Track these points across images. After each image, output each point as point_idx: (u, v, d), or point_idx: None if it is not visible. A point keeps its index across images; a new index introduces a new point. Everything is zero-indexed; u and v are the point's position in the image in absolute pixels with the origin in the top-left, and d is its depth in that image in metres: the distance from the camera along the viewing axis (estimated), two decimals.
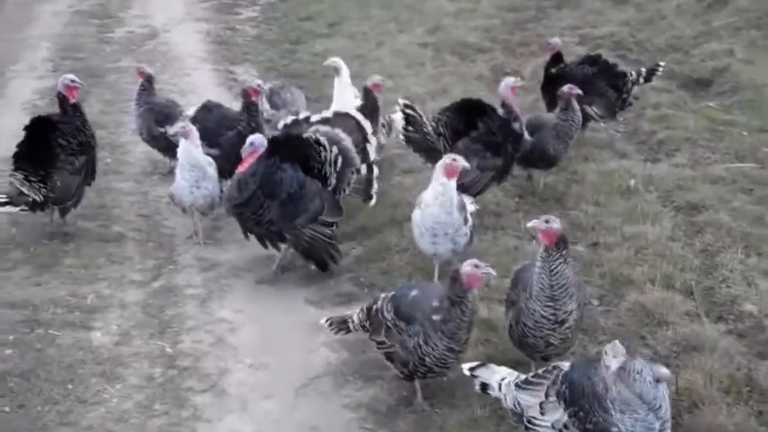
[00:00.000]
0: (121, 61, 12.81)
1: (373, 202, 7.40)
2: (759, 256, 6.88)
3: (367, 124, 7.39)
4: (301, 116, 7.54)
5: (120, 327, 6.41)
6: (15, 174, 7.22)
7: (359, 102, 8.60)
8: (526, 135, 7.85)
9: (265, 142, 6.77)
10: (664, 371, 4.41)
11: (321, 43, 13.31)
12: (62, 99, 7.61)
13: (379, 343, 5.44)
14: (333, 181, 7.01)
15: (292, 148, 6.93)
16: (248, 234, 7.00)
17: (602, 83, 8.98)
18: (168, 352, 6.13)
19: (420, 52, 12.52)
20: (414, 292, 5.35)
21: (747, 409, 5.23)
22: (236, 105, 8.69)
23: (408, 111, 7.62)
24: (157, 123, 8.71)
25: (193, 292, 6.89)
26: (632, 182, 8.16)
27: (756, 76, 10.30)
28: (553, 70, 9.25)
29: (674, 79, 10.72)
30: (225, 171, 7.53)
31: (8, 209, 7.20)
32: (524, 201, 8.03)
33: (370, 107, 8.14)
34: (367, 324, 5.55)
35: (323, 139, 6.98)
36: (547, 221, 5.11)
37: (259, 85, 8.14)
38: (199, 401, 5.62)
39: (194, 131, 7.46)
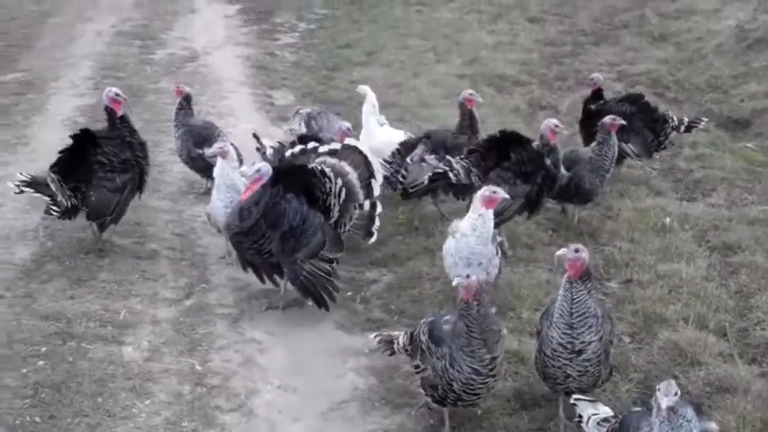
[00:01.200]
0: (161, 82, 12.95)
1: (373, 239, 7.25)
2: None
3: (374, 160, 7.21)
4: (310, 146, 7.35)
5: (151, 343, 6.44)
6: (51, 174, 7.32)
7: (386, 129, 8.66)
8: (563, 170, 7.85)
9: (270, 171, 6.67)
10: (713, 427, 4.38)
11: (358, 71, 13.38)
12: (110, 112, 7.70)
13: (416, 367, 5.43)
14: (335, 213, 6.89)
15: (297, 178, 6.84)
16: (247, 266, 6.93)
17: (640, 122, 8.90)
18: (198, 370, 6.15)
19: (457, 83, 12.53)
20: (447, 317, 5.35)
21: None
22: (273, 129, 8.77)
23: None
24: (196, 145, 8.80)
25: (224, 312, 6.92)
26: (667, 220, 8.11)
27: None
28: (592, 106, 9.19)
29: (711, 119, 10.66)
30: None
31: (28, 190, 7.26)
32: (558, 234, 8.00)
33: (468, 120, 8.23)
34: (409, 348, 5.54)
35: (328, 171, 6.87)
36: (576, 250, 5.07)
37: (348, 129, 8.08)
38: (227, 420, 5.64)
39: (232, 152, 7.51)
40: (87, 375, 5.96)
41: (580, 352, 5.08)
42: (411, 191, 7.92)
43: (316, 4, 18.35)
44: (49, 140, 10.23)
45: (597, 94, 9.28)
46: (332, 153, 7.14)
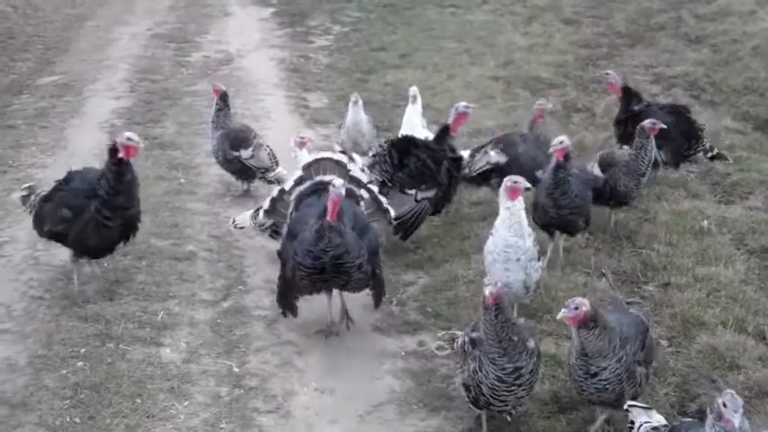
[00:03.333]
0: (197, 85, 13.02)
1: (392, 214, 7.08)
2: None
3: (340, 156, 7.01)
4: (277, 190, 7.04)
5: (189, 344, 6.49)
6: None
7: (426, 131, 8.70)
8: (597, 171, 7.83)
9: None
10: None
11: (393, 74, 13.37)
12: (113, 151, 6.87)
13: (461, 368, 5.43)
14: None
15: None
16: (318, 289, 6.43)
17: (676, 131, 8.74)
18: (235, 371, 6.19)
19: (491, 85, 12.53)
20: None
21: None
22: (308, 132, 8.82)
23: None
24: (232, 147, 8.86)
25: (261, 314, 6.95)
26: (705, 223, 8.05)
27: None
28: (636, 107, 8.96)
29: (748, 121, 10.56)
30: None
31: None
32: (595, 237, 7.94)
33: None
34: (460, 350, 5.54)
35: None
36: (576, 308, 4.98)
37: (466, 106, 7.95)
38: (264, 422, 5.67)
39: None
40: (126, 376, 6.02)
41: (595, 374, 5.09)
42: (473, 175, 8.39)
43: (350, 7, 18.39)
44: (86, 143, 10.38)
45: (628, 91, 9.14)
46: (299, 181, 6.80)
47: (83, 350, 6.32)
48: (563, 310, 5.05)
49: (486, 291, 5.03)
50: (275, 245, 7.79)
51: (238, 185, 9.18)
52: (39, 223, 7.03)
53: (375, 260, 6.41)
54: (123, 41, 15.98)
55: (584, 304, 5.00)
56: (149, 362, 6.22)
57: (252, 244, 7.95)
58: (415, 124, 9.03)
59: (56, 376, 6.02)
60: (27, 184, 7.47)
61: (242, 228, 7.76)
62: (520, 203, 6.32)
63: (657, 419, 4.85)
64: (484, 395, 5.16)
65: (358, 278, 6.29)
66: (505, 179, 6.37)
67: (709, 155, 8.97)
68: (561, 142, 7.12)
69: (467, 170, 8.32)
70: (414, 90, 9.38)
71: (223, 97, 9.05)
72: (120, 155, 6.78)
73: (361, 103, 9.42)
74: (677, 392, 5.86)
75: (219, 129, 8.95)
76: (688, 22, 14.70)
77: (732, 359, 6.06)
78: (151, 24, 17.17)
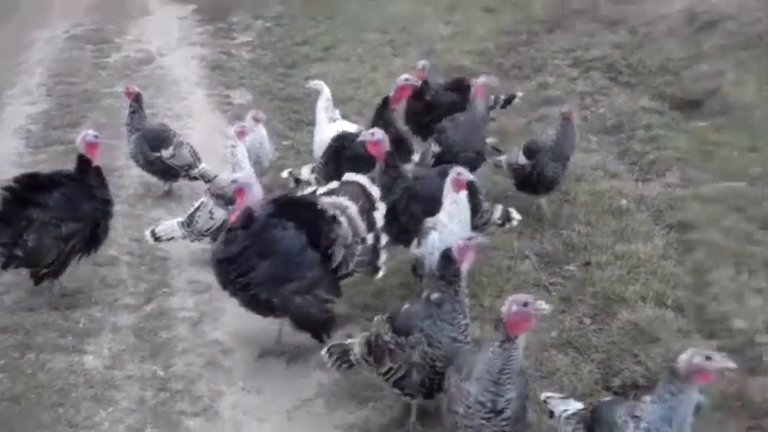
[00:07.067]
0: (117, 86, 12.74)
1: (381, 274, 6.42)
2: (749, 274, 6.88)
3: (374, 189, 6.41)
4: (308, 190, 6.68)
5: (112, 350, 6.40)
6: None
7: (339, 124, 8.61)
8: (522, 159, 7.90)
9: (252, 181, 6.12)
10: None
11: (316, 67, 13.32)
12: (83, 160, 6.93)
13: (386, 374, 5.26)
14: (338, 260, 6.15)
15: (305, 214, 6.11)
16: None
17: (461, 105, 8.50)
18: (160, 375, 6.12)
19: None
20: (406, 306, 5.30)
21: (739, 424, 5.29)
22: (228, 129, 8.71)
23: None
24: (152, 148, 8.74)
25: (186, 315, 6.88)
26: (623, 201, 8.18)
27: (745, 96, 10.30)
28: (428, 97, 9.07)
29: (665, 100, 10.73)
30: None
31: None
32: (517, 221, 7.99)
33: None
34: (370, 358, 5.43)
35: (340, 217, 6.18)
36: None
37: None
38: (191, 425, 5.63)
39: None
40: (47, 386, 5.91)
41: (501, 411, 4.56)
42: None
43: (271, 2, 18.27)
44: (2, 150, 10.15)
45: (426, 83, 9.12)
46: (329, 193, 6.42)
47: (2, 362, 6.20)
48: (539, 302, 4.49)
49: (455, 254, 5.08)
50: (199, 246, 7.76)
51: (160, 186, 9.07)
52: None
53: (279, 292, 5.88)
54: (39, 44, 15.63)
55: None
56: (72, 370, 6.12)
57: (175, 246, 7.82)
58: (320, 121, 8.75)
59: None
60: None
61: (169, 239, 7.55)
62: (464, 195, 6.30)
63: (574, 406, 4.93)
64: (439, 372, 5.03)
65: (243, 297, 5.96)
66: (450, 171, 6.29)
67: (499, 107, 9.44)
68: (373, 134, 6.81)
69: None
70: (314, 84, 9.10)
71: (137, 99, 8.92)
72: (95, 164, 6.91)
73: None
74: (601, 369, 5.98)
75: (135, 131, 8.82)
76: (604, 5, 14.85)
77: (652, 333, 6.20)
78: (68, 27, 16.84)
